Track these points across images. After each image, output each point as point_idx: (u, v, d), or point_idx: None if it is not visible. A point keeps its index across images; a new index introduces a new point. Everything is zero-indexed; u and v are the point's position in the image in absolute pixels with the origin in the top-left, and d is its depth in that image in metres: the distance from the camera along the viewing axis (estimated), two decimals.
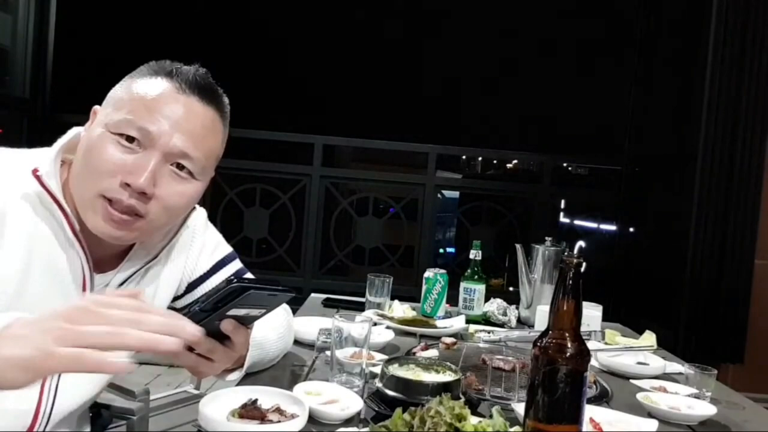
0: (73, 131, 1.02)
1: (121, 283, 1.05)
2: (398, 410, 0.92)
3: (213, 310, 0.90)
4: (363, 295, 1.95)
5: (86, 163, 0.95)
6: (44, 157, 0.96)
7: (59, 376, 0.99)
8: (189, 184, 1.00)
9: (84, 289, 0.99)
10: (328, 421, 1.05)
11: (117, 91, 1.00)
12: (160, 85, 0.97)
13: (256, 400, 1.02)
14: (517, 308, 2.02)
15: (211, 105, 1.01)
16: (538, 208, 4.12)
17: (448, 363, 1.17)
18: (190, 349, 0.94)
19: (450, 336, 1.62)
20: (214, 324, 0.93)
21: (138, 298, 0.77)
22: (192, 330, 0.76)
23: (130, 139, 0.94)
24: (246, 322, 0.98)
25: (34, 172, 0.94)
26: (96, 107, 1.02)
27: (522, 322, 1.99)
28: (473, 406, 1.10)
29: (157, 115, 0.95)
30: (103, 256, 1.04)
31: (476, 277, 1.97)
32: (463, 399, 1.04)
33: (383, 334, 1.56)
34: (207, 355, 0.96)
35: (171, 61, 1.02)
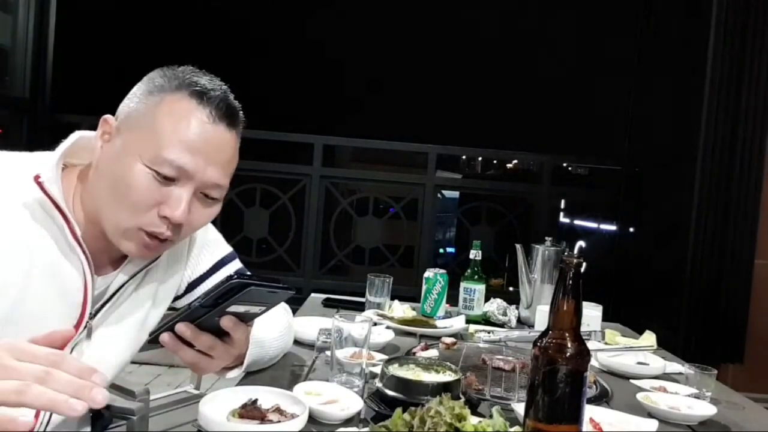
0: (76, 135, 1.02)
1: (122, 285, 1.05)
2: (398, 410, 0.92)
3: (213, 307, 0.90)
4: (363, 295, 1.95)
5: (121, 194, 0.95)
6: (46, 163, 0.96)
7: None
8: (215, 206, 1.03)
9: (85, 293, 0.99)
10: (328, 421, 1.05)
11: (140, 111, 0.97)
12: (189, 113, 0.97)
13: (256, 400, 1.02)
14: (517, 308, 2.02)
15: (234, 129, 1.02)
16: (538, 208, 4.12)
17: (448, 363, 1.17)
18: (191, 345, 0.94)
19: (450, 336, 1.62)
20: (214, 320, 0.93)
21: (66, 339, 0.77)
22: (101, 399, 0.72)
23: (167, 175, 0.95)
24: (246, 320, 0.98)
25: (36, 178, 0.94)
26: (108, 117, 1.00)
27: (522, 322, 1.99)
28: (473, 406, 1.10)
29: (194, 151, 0.96)
30: (105, 259, 1.04)
31: (476, 277, 1.97)
32: (463, 399, 1.04)
33: (383, 334, 1.56)
34: (207, 351, 0.96)
35: (186, 67, 1.01)
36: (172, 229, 0.97)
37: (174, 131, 0.96)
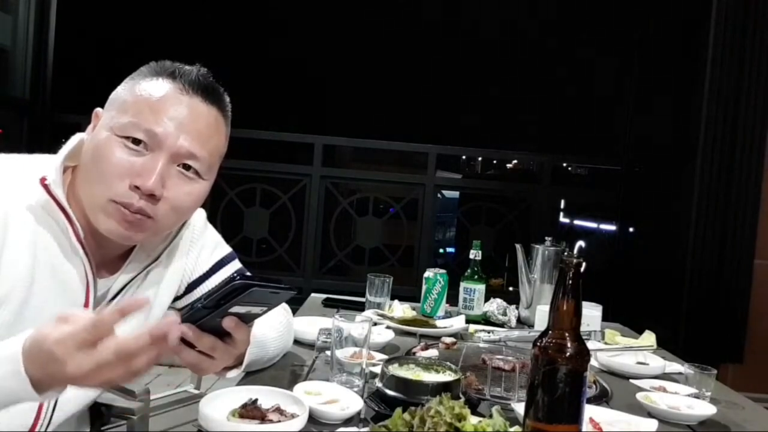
0: (77, 138, 1.02)
1: (123, 287, 1.05)
2: (398, 410, 0.92)
3: (215, 307, 0.90)
4: (363, 295, 1.95)
5: (94, 167, 0.96)
6: (50, 166, 0.97)
7: None
8: (196, 184, 1.01)
9: (87, 295, 0.99)
10: (328, 421, 1.05)
11: (120, 94, 1.00)
12: (164, 86, 0.98)
13: (256, 400, 1.02)
14: (517, 308, 2.02)
15: (214, 104, 1.02)
16: (538, 208, 4.12)
17: (448, 363, 1.18)
18: (192, 345, 0.94)
19: (450, 336, 1.62)
20: (215, 321, 0.93)
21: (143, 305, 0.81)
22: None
23: (137, 141, 0.95)
24: (247, 320, 0.98)
25: (42, 180, 0.94)
26: (97, 110, 1.02)
27: (522, 322, 1.99)
28: (473, 406, 1.10)
29: (163, 116, 0.96)
30: (104, 261, 1.04)
31: (476, 277, 1.97)
32: (463, 399, 1.04)
33: (383, 334, 1.56)
34: (208, 352, 0.96)
35: (171, 61, 1.02)
36: (147, 200, 0.95)
37: (145, 101, 0.96)
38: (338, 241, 4.15)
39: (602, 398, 1.30)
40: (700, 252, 3.20)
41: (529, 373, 0.92)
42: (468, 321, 1.85)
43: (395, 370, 1.13)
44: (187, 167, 0.99)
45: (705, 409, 1.23)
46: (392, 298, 1.92)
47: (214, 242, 1.25)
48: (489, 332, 1.73)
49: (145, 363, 0.79)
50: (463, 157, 11.67)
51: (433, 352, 1.47)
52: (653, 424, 1.11)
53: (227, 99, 1.06)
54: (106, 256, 1.03)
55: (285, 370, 1.32)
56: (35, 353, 0.78)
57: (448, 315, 1.90)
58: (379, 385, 1.11)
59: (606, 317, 1.87)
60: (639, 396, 1.27)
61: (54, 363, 0.76)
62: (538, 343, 0.90)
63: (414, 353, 1.44)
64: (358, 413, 1.08)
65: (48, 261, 0.96)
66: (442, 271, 1.91)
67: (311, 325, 1.54)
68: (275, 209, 4.11)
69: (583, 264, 0.90)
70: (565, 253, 0.92)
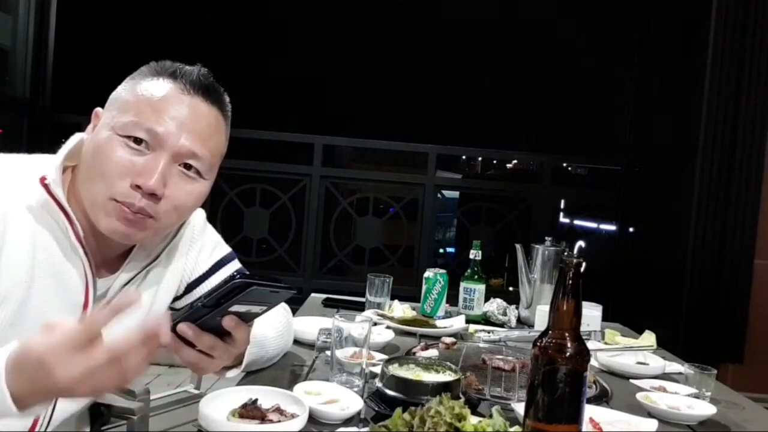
0: (76, 138, 1.02)
1: (123, 286, 1.05)
2: (398, 410, 0.92)
3: (215, 306, 0.90)
4: (363, 295, 1.95)
5: (95, 167, 0.96)
6: (50, 165, 0.97)
7: None
8: (197, 184, 1.01)
9: (87, 294, 0.99)
10: (328, 421, 1.05)
11: (120, 93, 1.00)
12: (165, 86, 0.98)
13: (256, 400, 1.02)
14: (517, 308, 2.02)
15: (215, 104, 1.02)
16: (538, 208, 4.12)
17: (448, 363, 1.18)
18: (191, 345, 0.94)
19: (450, 336, 1.62)
20: (215, 320, 0.93)
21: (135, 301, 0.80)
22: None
23: (138, 140, 0.95)
24: (247, 319, 0.98)
25: (42, 180, 0.94)
26: (97, 109, 1.02)
27: (522, 322, 1.99)
28: (473, 406, 1.10)
29: (164, 116, 0.96)
30: (104, 260, 1.04)
31: (476, 277, 1.97)
32: (463, 399, 1.04)
33: (383, 334, 1.56)
34: (208, 351, 0.96)
35: (172, 61, 1.02)
36: (148, 199, 0.95)
37: (147, 100, 0.97)
38: (338, 241, 4.15)
39: (602, 398, 1.30)
40: (700, 252, 3.20)
41: (529, 373, 0.92)
42: (468, 321, 1.85)
43: (395, 370, 1.13)
44: (188, 167, 0.99)
45: (705, 409, 1.23)
46: (392, 298, 1.92)
47: (214, 242, 1.25)
48: (489, 332, 1.73)
49: (137, 363, 0.78)
50: (463, 157, 11.68)
51: (433, 352, 1.47)
52: (653, 424, 1.11)
53: (227, 99, 1.06)
54: (105, 255, 1.03)
55: (285, 370, 1.32)
56: (20, 365, 0.76)
57: (448, 315, 1.90)
58: (379, 385, 1.11)
59: (606, 317, 1.87)
60: (639, 396, 1.27)
61: (43, 372, 0.74)
62: (538, 343, 0.90)
63: (414, 353, 1.44)
64: (358, 413, 1.08)
65: (48, 261, 0.96)
66: (442, 271, 1.91)
67: (311, 325, 1.54)
68: (275, 209, 4.11)
69: (583, 264, 0.90)
70: (565, 253, 0.92)
